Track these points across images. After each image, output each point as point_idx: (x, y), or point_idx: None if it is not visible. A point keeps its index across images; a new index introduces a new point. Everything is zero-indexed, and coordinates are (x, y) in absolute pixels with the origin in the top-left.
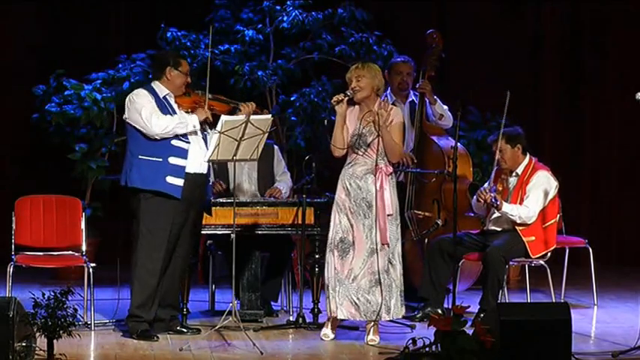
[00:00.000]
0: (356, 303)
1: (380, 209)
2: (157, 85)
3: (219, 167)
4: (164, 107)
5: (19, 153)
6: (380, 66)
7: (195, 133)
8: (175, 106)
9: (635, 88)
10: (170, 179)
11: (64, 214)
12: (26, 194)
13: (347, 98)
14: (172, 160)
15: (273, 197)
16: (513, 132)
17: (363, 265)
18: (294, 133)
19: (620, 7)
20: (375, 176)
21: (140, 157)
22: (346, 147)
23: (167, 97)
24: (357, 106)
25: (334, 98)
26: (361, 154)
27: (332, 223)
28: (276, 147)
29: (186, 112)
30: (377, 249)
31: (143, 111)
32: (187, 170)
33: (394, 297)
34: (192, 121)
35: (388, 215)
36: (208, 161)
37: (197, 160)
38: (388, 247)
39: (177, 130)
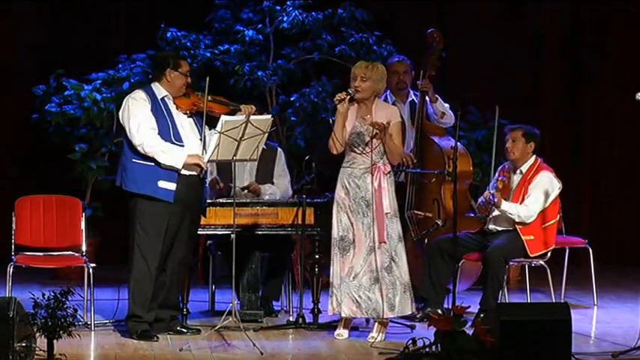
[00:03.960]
0: (357, 300)
1: (377, 208)
2: (156, 87)
3: (223, 166)
4: (160, 110)
5: (19, 153)
6: None
7: (176, 169)
8: (173, 108)
9: (635, 88)
10: (162, 184)
11: (64, 214)
12: (26, 194)
13: (348, 97)
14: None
15: (251, 191)
16: (532, 130)
17: (363, 263)
18: (294, 133)
19: (620, 7)
20: (372, 175)
21: (134, 160)
22: (344, 145)
23: (165, 99)
24: (355, 105)
25: (337, 96)
26: (359, 152)
27: (334, 222)
28: (280, 150)
29: (185, 113)
30: (375, 247)
31: (133, 120)
32: (182, 172)
33: (398, 294)
34: (179, 159)
35: (386, 214)
36: (208, 161)
37: None
38: (386, 244)
39: (159, 157)
